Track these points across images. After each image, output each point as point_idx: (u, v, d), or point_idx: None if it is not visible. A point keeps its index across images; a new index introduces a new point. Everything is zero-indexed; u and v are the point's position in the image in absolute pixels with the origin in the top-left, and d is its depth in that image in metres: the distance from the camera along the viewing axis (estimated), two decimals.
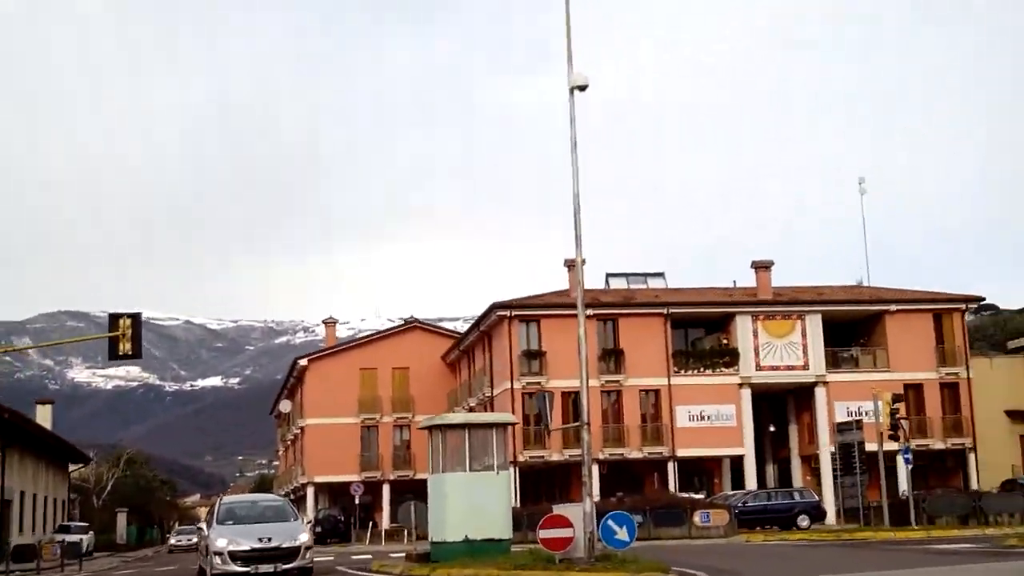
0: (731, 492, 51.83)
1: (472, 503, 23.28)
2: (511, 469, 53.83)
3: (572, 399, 50.71)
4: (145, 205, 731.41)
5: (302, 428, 72.62)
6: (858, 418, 45.10)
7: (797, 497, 48.61)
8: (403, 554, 28.71)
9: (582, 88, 22.07)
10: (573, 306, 23.73)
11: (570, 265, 54.10)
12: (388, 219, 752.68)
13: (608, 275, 62.96)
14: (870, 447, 41.60)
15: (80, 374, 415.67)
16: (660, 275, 62.75)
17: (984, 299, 60.50)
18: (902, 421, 41.77)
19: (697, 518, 40.97)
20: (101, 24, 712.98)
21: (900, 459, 43.15)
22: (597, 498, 49.04)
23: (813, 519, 46.70)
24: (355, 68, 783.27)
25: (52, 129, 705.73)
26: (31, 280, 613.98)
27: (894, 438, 41.00)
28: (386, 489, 67.90)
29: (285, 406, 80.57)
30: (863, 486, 41.00)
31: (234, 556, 21.26)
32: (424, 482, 26.07)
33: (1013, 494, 42.06)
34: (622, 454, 55.26)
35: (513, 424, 25.79)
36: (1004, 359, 61.35)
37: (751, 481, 55.16)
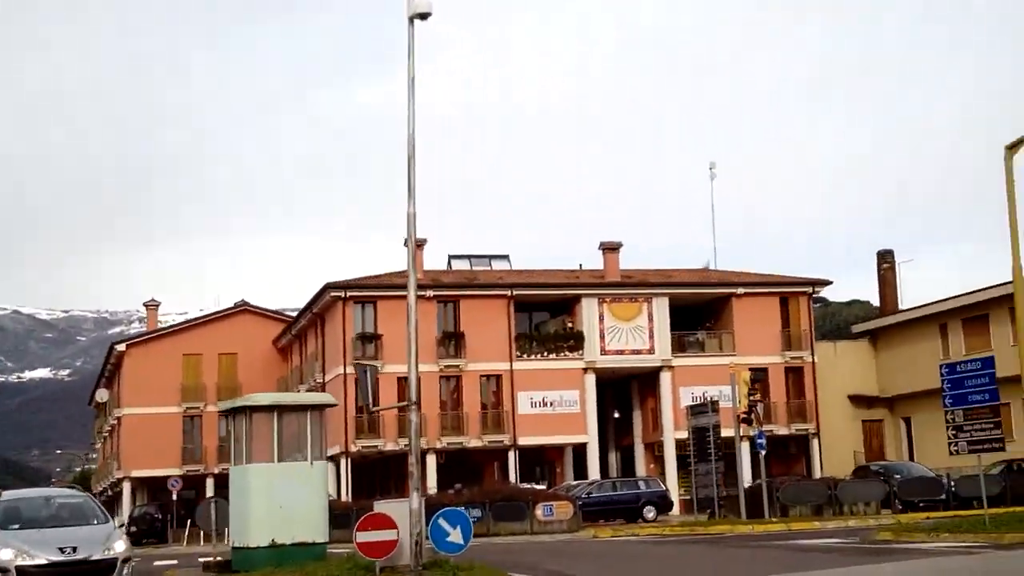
0: (574, 482, 49.38)
1: (280, 500, 19.78)
2: (343, 460, 51.16)
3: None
4: None
5: (119, 419, 67.65)
6: (715, 399, 42.51)
7: (643, 487, 46.54)
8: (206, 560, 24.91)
9: (423, 16, 18.77)
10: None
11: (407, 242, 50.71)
12: (231, 210, 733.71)
13: (451, 256, 60.38)
14: (726, 432, 39.40)
15: None
16: (504, 257, 60.55)
17: (831, 282, 59.39)
18: (757, 404, 39.70)
19: (540, 511, 38.35)
20: None
21: (744, 445, 41.14)
22: (433, 491, 46.19)
23: (659, 510, 44.83)
24: (193, 60, 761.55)
25: None
26: None
27: (747, 421, 38.89)
28: (210, 484, 63.43)
29: (102, 395, 75.11)
30: (719, 474, 38.62)
31: (25, 573, 16.38)
32: None
33: (869, 481, 40.21)
34: (461, 443, 52.30)
35: (331, 405, 22.27)
36: (848, 344, 60.77)
37: (594, 470, 53.03)
